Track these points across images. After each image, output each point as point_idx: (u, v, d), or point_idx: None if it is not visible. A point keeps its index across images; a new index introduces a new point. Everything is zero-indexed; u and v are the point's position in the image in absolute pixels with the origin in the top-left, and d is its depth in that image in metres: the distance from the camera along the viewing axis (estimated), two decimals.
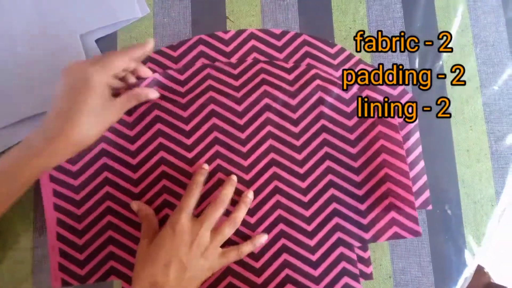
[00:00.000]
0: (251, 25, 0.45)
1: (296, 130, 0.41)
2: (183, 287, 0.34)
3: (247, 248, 0.38)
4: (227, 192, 0.39)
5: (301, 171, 0.41)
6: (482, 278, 0.71)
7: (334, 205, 0.40)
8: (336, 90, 0.42)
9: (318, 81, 0.42)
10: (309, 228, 0.40)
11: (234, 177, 0.40)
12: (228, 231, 0.38)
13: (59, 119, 0.33)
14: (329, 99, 0.42)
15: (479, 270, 0.72)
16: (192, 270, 0.35)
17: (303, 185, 0.40)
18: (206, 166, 0.40)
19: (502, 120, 0.44)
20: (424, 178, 0.41)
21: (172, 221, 0.36)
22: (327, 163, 0.41)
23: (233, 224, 0.38)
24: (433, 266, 0.41)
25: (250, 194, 0.40)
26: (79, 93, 0.33)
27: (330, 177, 0.41)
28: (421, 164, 0.42)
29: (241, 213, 0.39)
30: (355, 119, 0.42)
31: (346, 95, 0.42)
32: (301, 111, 0.42)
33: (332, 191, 0.40)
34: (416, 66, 0.45)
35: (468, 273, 0.42)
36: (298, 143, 0.41)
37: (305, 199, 0.40)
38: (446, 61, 0.45)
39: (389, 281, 0.41)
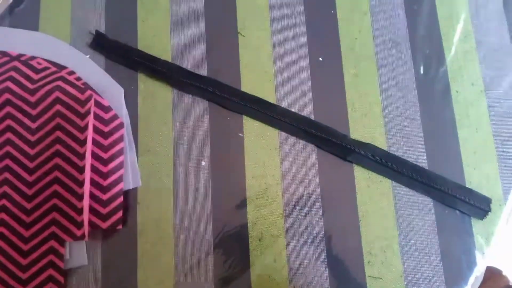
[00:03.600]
0: (262, 38, 0.48)
1: (33, 126, 0.43)
2: None
3: None
4: None
5: (31, 165, 0.42)
6: (500, 281, 0.71)
7: (54, 201, 0.42)
8: (73, 91, 0.43)
9: (58, 83, 0.44)
10: (28, 219, 0.41)
11: None
12: None
13: None
14: (66, 99, 0.43)
15: (497, 273, 0.72)
16: None
17: (30, 178, 0.42)
18: None
19: (508, 122, 0.45)
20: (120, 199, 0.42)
21: None
22: (56, 160, 0.42)
23: None
24: (443, 265, 0.43)
25: None
26: None
27: (56, 173, 0.42)
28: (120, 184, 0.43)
29: None
30: (87, 120, 0.43)
31: (82, 96, 0.43)
32: (39, 109, 0.43)
33: (55, 187, 0.42)
34: (421, 72, 0.47)
35: (478, 271, 0.43)
36: (33, 138, 0.43)
37: (29, 192, 0.42)
38: (450, 66, 0.47)
39: (400, 281, 0.42)
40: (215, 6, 0.49)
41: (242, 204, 0.44)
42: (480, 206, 0.43)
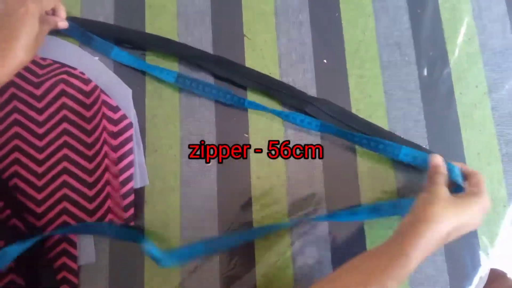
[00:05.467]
0: (267, 41, 0.49)
1: (40, 118, 0.44)
2: None
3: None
4: None
5: (40, 156, 0.43)
6: (505, 283, 0.71)
7: (64, 190, 0.43)
8: (77, 83, 0.45)
9: (62, 76, 0.45)
10: (39, 210, 0.42)
11: None
12: None
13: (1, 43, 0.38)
14: (71, 91, 0.44)
15: (502, 276, 0.72)
16: None
17: (40, 170, 0.43)
18: None
19: None
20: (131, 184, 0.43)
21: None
22: (64, 150, 0.43)
23: None
24: (447, 266, 0.43)
25: None
26: (18, 20, 0.38)
27: (64, 164, 0.43)
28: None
29: None
30: (93, 110, 0.44)
31: (87, 88, 0.45)
32: (45, 101, 0.44)
33: (64, 177, 0.43)
34: (425, 74, 0.47)
35: (483, 272, 0.43)
36: (40, 130, 0.44)
37: (39, 183, 0.43)
38: (453, 68, 0.47)
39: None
40: (221, 9, 0.50)
41: (248, 204, 0.44)
42: None
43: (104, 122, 0.44)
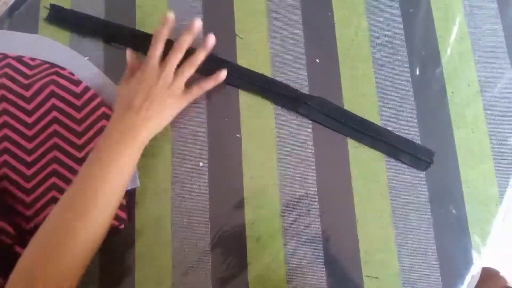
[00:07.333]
0: (259, 40, 0.48)
1: (29, 120, 0.44)
2: (151, 116, 0.40)
3: (209, 84, 0.44)
4: (185, 38, 0.43)
5: (29, 159, 0.43)
6: (498, 282, 0.71)
7: (53, 193, 0.43)
8: (67, 84, 0.45)
9: (52, 77, 0.45)
10: (28, 212, 0.42)
11: (196, 24, 0.44)
12: (187, 72, 0.43)
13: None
14: (60, 92, 0.44)
15: (495, 274, 0.72)
16: (159, 102, 0.41)
17: (29, 172, 0.43)
18: (171, 16, 0.44)
19: (504, 122, 0.46)
20: None
21: (141, 67, 0.42)
22: (54, 152, 0.43)
23: (192, 65, 0.43)
24: (440, 265, 0.43)
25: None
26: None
27: (54, 166, 0.43)
28: None
29: (200, 55, 0.44)
30: (84, 111, 0.44)
31: (77, 89, 0.45)
32: (35, 103, 0.44)
33: (53, 179, 0.43)
34: (417, 73, 0.47)
35: (475, 271, 0.43)
36: (30, 132, 0.44)
37: (28, 185, 0.43)
38: (445, 67, 0.47)
39: (397, 280, 0.43)
40: (213, 9, 0.49)
41: (240, 205, 0.44)
42: (422, 158, 0.44)
43: (105, 123, 0.43)
